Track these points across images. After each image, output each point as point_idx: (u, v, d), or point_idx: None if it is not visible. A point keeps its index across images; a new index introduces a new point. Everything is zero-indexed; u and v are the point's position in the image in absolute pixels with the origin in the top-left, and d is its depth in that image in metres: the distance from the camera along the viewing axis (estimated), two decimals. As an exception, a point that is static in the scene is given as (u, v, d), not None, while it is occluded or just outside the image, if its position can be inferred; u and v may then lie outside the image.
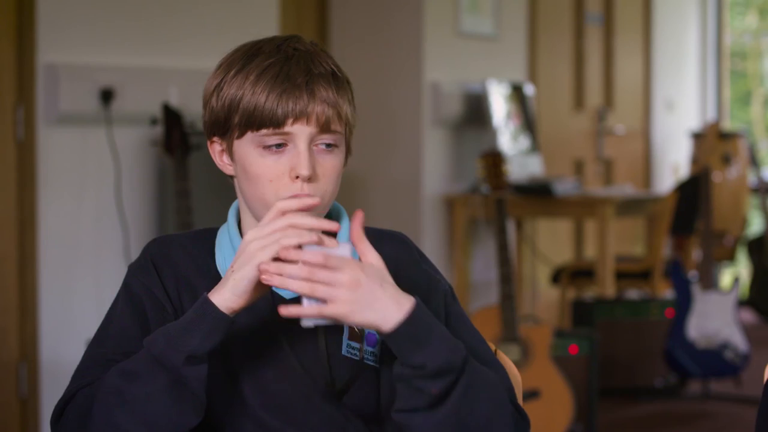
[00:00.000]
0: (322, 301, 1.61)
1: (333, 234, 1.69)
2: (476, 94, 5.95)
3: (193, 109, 4.32)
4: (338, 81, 1.75)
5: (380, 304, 1.63)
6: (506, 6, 6.29)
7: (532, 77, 6.55)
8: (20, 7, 4.09)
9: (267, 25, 4.95)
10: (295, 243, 1.63)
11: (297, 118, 1.72)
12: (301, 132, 1.72)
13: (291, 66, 1.73)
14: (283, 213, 1.65)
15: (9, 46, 4.09)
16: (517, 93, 6.12)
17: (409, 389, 1.66)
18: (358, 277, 1.62)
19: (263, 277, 1.62)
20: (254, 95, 1.72)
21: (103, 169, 4.32)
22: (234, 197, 1.86)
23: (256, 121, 1.72)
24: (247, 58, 1.75)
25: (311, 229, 1.64)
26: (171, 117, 4.18)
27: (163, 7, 4.56)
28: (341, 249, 1.64)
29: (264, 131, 1.72)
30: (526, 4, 6.52)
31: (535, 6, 6.61)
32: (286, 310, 1.62)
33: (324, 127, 1.73)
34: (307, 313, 1.62)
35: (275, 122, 1.71)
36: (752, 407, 5.41)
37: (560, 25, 7.01)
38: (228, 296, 1.65)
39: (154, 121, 4.25)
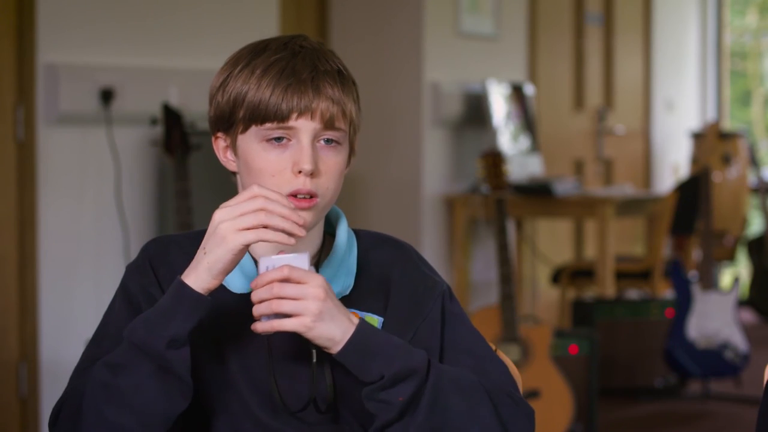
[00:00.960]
0: (286, 315, 1.64)
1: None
2: (476, 94, 5.95)
3: (193, 109, 4.32)
4: (344, 79, 1.76)
5: (339, 318, 1.66)
6: (506, 6, 6.29)
7: (532, 77, 6.55)
8: (20, 7, 4.09)
9: (267, 25, 4.95)
10: (276, 239, 1.63)
11: (301, 113, 1.72)
12: (304, 127, 1.72)
13: (297, 62, 1.73)
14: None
15: (9, 46, 4.09)
16: (517, 93, 6.11)
17: (377, 406, 1.68)
18: (324, 288, 1.65)
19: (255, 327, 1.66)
20: (259, 89, 1.72)
21: (103, 169, 4.32)
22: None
23: (261, 115, 1.72)
24: (254, 55, 1.76)
25: (282, 217, 1.64)
26: (171, 117, 4.18)
27: (163, 7, 4.56)
28: (299, 259, 1.65)
29: (268, 125, 1.73)
30: (526, 4, 6.52)
31: (535, 6, 6.61)
32: (254, 327, 1.66)
33: (328, 124, 1.73)
34: (266, 328, 1.65)
35: (279, 116, 1.72)
36: (752, 407, 5.41)
37: (560, 25, 7.01)
38: (204, 278, 1.66)
39: (154, 121, 4.25)
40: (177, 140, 4.15)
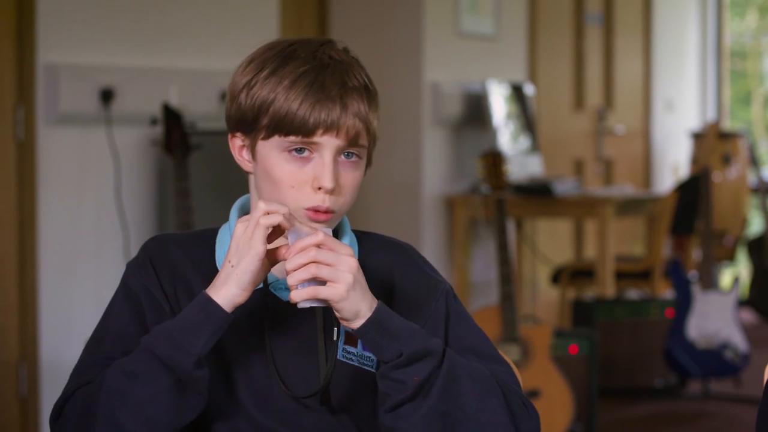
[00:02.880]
0: (321, 282, 1.64)
1: None
2: (476, 94, 5.95)
3: (193, 109, 4.32)
4: (370, 95, 1.76)
5: (367, 292, 1.68)
6: (506, 6, 6.29)
7: (532, 77, 6.55)
8: (20, 7, 4.09)
9: (267, 25, 4.95)
10: (275, 222, 1.65)
11: (327, 130, 1.72)
12: (328, 143, 1.72)
13: (326, 76, 1.73)
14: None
15: (9, 46, 4.09)
16: (517, 93, 6.11)
17: (392, 385, 1.68)
18: (356, 258, 1.67)
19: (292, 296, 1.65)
20: (287, 101, 1.71)
21: (103, 169, 4.32)
22: (234, 197, 1.86)
23: (286, 127, 1.72)
24: (282, 60, 1.74)
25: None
26: (171, 117, 4.18)
27: (163, 7, 4.56)
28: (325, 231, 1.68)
29: (292, 138, 1.72)
30: (526, 4, 6.52)
31: (535, 6, 6.61)
32: (291, 297, 1.65)
33: (352, 141, 1.73)
34: (303, 296, 1.64)
35: (305, 131, 1.71)
36: (752, 407, 5.41)
37: (560, 25, 7.01)
38: (234, 291, 1.67)
39: (154, 121, 4.25)
40: (177, 140, 4.14)
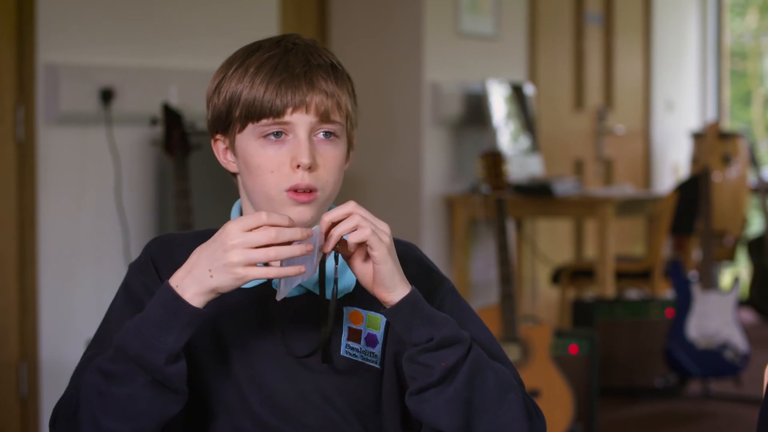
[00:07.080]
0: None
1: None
2: (476, 94, 5.95)
3: (193, 109, 4.32)
4: (337, 73, 1.77)
5: (402, 271, 1.70)
6: (506, 6, 6.29)
7: (532, 77, 6.55)
8: (20, 7, 4.09)
9: (267, 25, 4.95)
10: (287, 256, 1.62)
11: (296, 108, 1.73)
12: (300, 121, 1.73)
13: (290, 57, 1.75)
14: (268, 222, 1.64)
15: (9, 46, 4.09)
16: (517, 93, 6.11)
17: (419, 369, 1.69)
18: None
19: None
20: (254, 87, 1.74)
21: (103, 169, 4.32)
22: (234, 197, 1.86)
23: (257, 111, 1.73)
24: (247, 55, 1.77)
25: (292, 240, 1.63)
26: (171, 117, 4.18)
27: (163, 7, 4.56)
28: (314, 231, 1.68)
29: (264, 122, 1.74)
30: (526, 4, 6.52)
31: (535, 6, 6.61)
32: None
33: (323, 117, 1.74)
34: (356, 237, 1.66)
35: (275, 112, 1.73)
36: (752, 407, 5.41)
37: (560, 25, 7.01)
38: (208, 295, 1.64)
39: (154, 121, 4.25)
40: (177, 140, 4.15)
